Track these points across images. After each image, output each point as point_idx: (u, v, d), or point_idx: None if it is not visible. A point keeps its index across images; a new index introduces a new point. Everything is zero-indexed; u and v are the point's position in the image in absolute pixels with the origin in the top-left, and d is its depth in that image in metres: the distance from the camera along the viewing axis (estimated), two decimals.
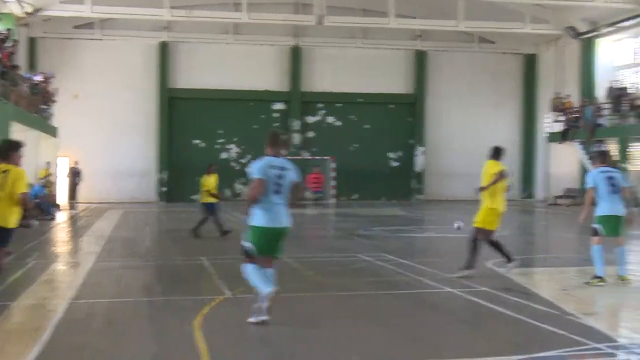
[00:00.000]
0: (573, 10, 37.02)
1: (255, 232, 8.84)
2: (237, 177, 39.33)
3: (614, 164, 12.19)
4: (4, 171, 9.37)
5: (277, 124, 41.43)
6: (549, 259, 16.28)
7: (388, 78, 42.60)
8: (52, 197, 29.81)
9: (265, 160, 8.97)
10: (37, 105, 30.26)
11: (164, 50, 40.28)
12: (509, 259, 12.72)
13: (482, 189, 12.56)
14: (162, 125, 40.19)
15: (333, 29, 38.97)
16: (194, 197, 33.04)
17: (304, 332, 8.62)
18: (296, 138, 41.50)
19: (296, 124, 41.59)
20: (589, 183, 11.87)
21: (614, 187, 11.64)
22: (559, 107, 38.91)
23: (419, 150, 42.88)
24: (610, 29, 36.94)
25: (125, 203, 36.40)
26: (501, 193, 12.55)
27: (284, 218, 8.94)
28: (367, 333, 8.60)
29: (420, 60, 43.12)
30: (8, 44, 28.05)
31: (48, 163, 31.32)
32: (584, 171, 36.25)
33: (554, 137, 39.05)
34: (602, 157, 12.39)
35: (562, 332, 8.29)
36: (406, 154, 43.05)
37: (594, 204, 11.86)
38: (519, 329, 8.79)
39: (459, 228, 13.93)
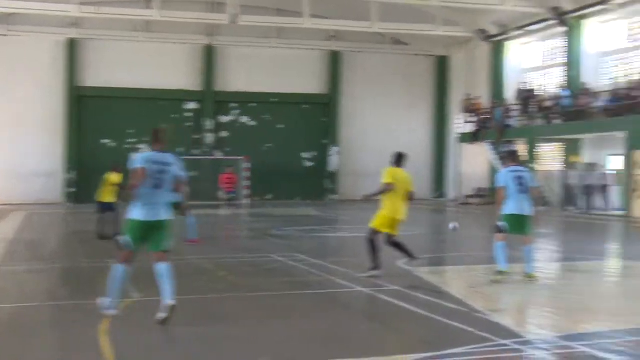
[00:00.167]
0: (483, 14, 37.71)
1: (131, 226, 8.83)
2: None
3: (522, 164, 12.35)
4: None
5: (189, 124, 41.06)
6: (459, 257, 16.45)
7: (302, 78, 42.63)
8: None
9: (147, 155, 9.00)
10: None
11: (73, 47, 39.37)
12: (411, 257, 12.69)
13: (367, 196, 12.76)
14: (70, 125, 39.28)
15: (247, 28, 38.73)
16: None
17: (215, 334, 8.47)
18: (209, 138, 41.16)
19: (209, 124, 41.24)
20: (500, 182, 11.99)
21: (522, 187, 11.81)
22: (470, 108, 39.56)
23: (333, 150, 43.05)
24: (519, 32, 37.80)
25: (30, 205, 35.30)
26: (400, 201, 12.43)
27: (162, 212, 8.87)
28: (278, 333, 8.50)
29: (335, 60, 43.29)
30: None
31: None
32: (493, 171, 36.94)
33: (465, 138, 39.68)
34: (512, 157, 12.55)
35: (470, 329, 8.35)
36: (320, 154, 43.16)
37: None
38: (428, 326, 8.83)
39: (454, 229, 13.91)
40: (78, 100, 39.36)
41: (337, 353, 7.73)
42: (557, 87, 35.05)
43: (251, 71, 41.64)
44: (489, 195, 37.42)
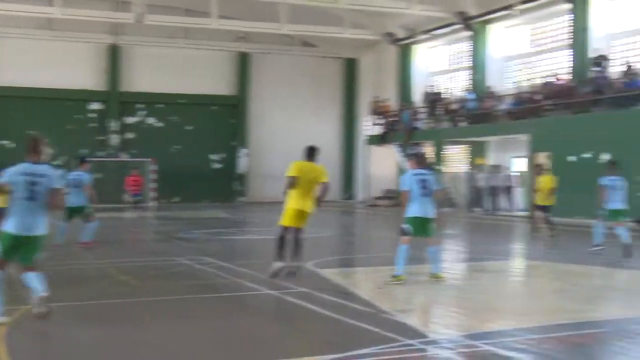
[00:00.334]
0: (391, 17, 38.08)
1: (3, 237, 8.63)
2: None
3: (429, 166, 12.44)
4: None
5: (94, 125, 40.21)
6: (367, 258, 16.51)
7: (211, 79, 42.26)
8: None
9: (19, 167, 8.77)
10: None
11: None
12: (280, 260, 12.43)
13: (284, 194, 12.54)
14: None
15: (154, 27, 38.10)
16: None
17: (116, 339, 8.22)
18: (114, 139, 40.38)
19: (114, 125, 40.44)
20: (404, 186, 12.04)
21: (426, 190, 11.87)
22: (378, 110, 39.92)
23: (242, 152, 42.80)
24: (426, 36, 38.32)
25: None
26: (307, 194, 12.32)
27: (35, 226, 8.64)
28: (184, 338, 8.29)
29: (243, 62, 43.07)
30: None
31: None
32: (401, 173, 37.33)
33: (374, 140, 40.01)
34: (417, 160, 12.63)
35: (377, 329, 8.33)
36: (229, 156, 42.87)
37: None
38: (335, 328, 8.78)
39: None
40: None
41: (245, 356, 7.63)
42: (462, 90, 35.68)
43: (158, 71, 41.00)
44: (397, 197, 37.83)
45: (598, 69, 27.62)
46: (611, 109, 26.51)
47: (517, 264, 16.11)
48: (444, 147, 35.18)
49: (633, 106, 25.78)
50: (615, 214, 16.20)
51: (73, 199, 16.14)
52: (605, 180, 16.39)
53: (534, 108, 30.11)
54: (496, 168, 32.70)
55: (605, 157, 25.48)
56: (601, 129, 25.98)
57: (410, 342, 7.81)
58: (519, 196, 31.55)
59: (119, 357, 7.59)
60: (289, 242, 12.48)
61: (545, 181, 20.18)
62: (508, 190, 32.08)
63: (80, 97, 39.96)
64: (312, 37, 42.26)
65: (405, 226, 11.88)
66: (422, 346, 7.68)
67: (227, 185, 42.37)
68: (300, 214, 12.37)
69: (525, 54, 34.16)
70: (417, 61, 40.25)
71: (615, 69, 27.95)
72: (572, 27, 29.66)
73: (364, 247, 20.25)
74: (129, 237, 22.07)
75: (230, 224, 26.79)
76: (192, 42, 41.48)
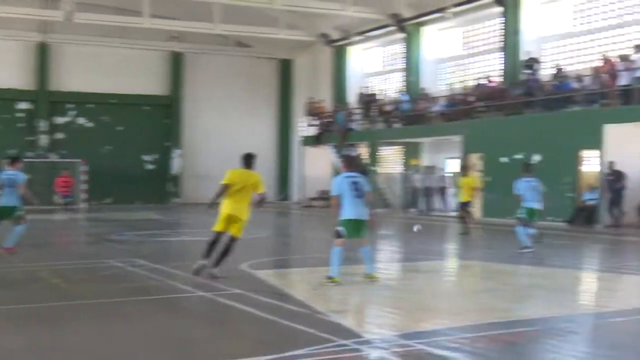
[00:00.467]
0: (325, 18, 38.16)
1: None
2: None
3: (362, 169, 12.54)
4: None
5: (22, 125, 39.44)
6: (302, 259, 16.50)
7: (143, 79, 41.78)
8: None
9: None
10: None
11: None
12: (206, 259, 12.44)
13: (210, 202, 12.69)
14: None
15: (85, 26, 37.40)
16: None
17: (47, 344, 8.03)
18: (43, 140, 39.64)
19: (43, 125, 39.71)
20: (334, 190, 12.10)
21: (358, 192, 11.93)
22: (313, 111, 39.97)
23: (176, 152, 42.42)
24: (360, 37, 38.50)
25: None
26: (239, 200, 12.37)
27: None
28: (117, 341, 8.15)
29: (177, 61, 42.69)
30: None
31: None
32: (336, 174, 37.44)
33: (309, 141, 40.05)
34: (349, 163, 12.83)
35: (312, 330, 8.31)
36: (162, 157, 42.45)
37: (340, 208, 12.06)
38: (270, 329, 8.72)
39: (418, 230, 13.68)
40: None
41: (177, 359, 7.53)
42: (397, 92, 35.94)
43: (89, 71, 40.36)
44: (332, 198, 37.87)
45: (529, 71, 28.12)
46: (542, 111, 27.01)
47: (450, 263, 16.28)
48: (379, 148, 35.39)
49: (563, 108, 26.30)
50: (531, 213, 16.99)
51: (6, 199, 15.58)
52: (521, 182, 17.11)
53: (466, 110, 30.52)
54: (430, 169, 33.03)
55: (536, 158, 25.99)
56: (532, 131, 26.45)
57: (345, 342, 7.80)
58: (453, 197, 31.90)
59: None
60: (221, 246, 12.44)
61: (468, 181, 21.28)
62: (442, 191, 32.44)
63: (8, 97, 39.17)
64: (246, 37, 42.11)
65: (340, 229, 11.90)
66: (356, 346, 7.68)
67: (160, 187, 41.93)
68: (231, 219, 12.39)
69: (458, 56, 34.61)
70: (351, 62, 40.43)
71: (546, 72, 28.50)
72: (503, 30, 30.14)
73: (299, 248, 20.23)
74: (59, 240, 21.67)
75: (163, 226, 26.51)
76: (124, 42, 40.90)
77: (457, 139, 30.12)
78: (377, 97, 37.20)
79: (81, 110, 40.93)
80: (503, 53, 30.17)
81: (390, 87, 38.31)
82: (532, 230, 17.05)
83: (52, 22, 37.71)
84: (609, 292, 11.89)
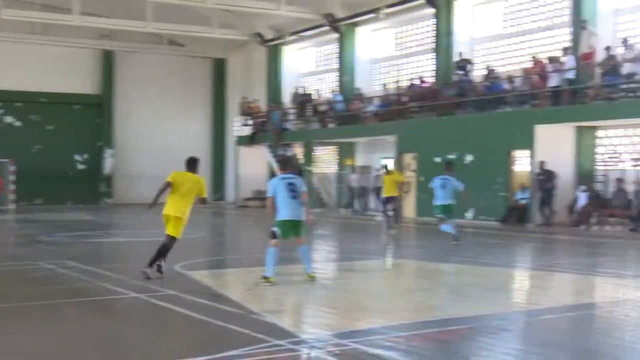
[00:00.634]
0: (259, 18, 38.05)
1: None
2: None
3: (297, 169, 12.59)
4: None
5: None
6: (237, 259, 16.41)
7: (74, 77, 41.10)
8: None
9: None
10: None
11: None
12: (151, 265, 12.40)
13: (151, 202, 12.45)
14: None
15: (12, 22, 36.50)
16: None
17: None
18: None
19: None
20: (269, 192, 12.13)
21: (294, 193, 11.96)
22: (247, 111, 39.82)
23: (108, 152, 41.83)
24: (294, 37, 38.47)
25: None
26: (178, 200, 12.29)
27: None
28: (48, 345, 7.98)
29: (108, 60, 42.10)
30: None
31: None
32: (272, 174, 37.44)
33: (243, 140, 39.89)
34: (284, 165, 12.96)
35: (246, 331, 8.26)
36: (94, 156, 41.81)
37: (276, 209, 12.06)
38: (204, 330, 8.64)
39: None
40: None
41: None
42: (331, 92, 36.02)
43: (17, 68, 39.49)
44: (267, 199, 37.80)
45: (461, 72, 28.45)
46: (474, 112, 27.36)
47: (385, 262, 16.36)
48: (314, 148, 35.43)
49: (495, 109, 26.69)
50: (442, 209, 18.22)
51: None
52: (437, 179, 18.29)
53: (400, 110, 30.74)
54: (365, 169, 33.18)
55: (469, 158, 26.34)
56: (465, 131, 26.78)
57: (280, 342, 7.77)
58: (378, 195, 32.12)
59: None
60: (159, 247, 12.40)
61: (391, 178, 21.54)
62: (377, 190, 32.55)
63: None
64: (179, 36, 41.77)
65: (275, 229, 11.92)
66: (291, 346, 7.66)
67: (92, 187, 41.30)
68: (167, 219, 12.34)
69: (391, 57, 34.86)
70: (286, 62, 40.40)
71: (478, 73, 28.89)
72: (435, 32, 30.44)
73: (234, 249, 20.13)
74: None
75: (95, 227, 26.09)
76: (54, 39, 40.17)
77: (391, 139, 30.33)
78: (312, 97, 37.23)
79: (9, 109, 40.07)
80: (435, 54, 30.48)
81: (324, 87, 38.38)
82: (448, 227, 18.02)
83: None
84: (541, 290, 12.09)
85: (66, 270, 13.63)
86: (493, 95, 26.75)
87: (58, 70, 40.44)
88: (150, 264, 12.28)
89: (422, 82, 30.67)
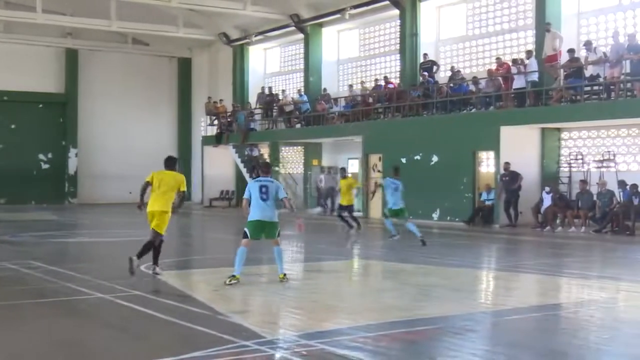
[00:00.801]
0: (225, 17, 37.94)
1: None
2: None
3: (267, 172, 12.73)
4: None
5: None
6: (204, 260, 16.35)
7: (37, 76, 40.73)
8: None
9: None
10: None
11: None
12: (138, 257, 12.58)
13: (139, 203, 12.88)
14: None
15: None
16: None
17: None
18: None
19: None
20: (245, 193, 12.36)
21: (266, 195, 12.09)
22: (213, 111, 39.68)
23: (72, 152, 41.45)
24: (260, 37, 38.40)
25: None
26: (159, 198, 12.59)
27: None
28: (10, 346, 7.87)
29: (72, 59, 41.76)
30: None
31: None
32: (238, 173, 37.39)
33: (209, 140, 39.73)
34: (261, 169, 13.18)
35: (212, 332, 8.23)
36: (58, 156, 41.43)
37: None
38: (170, 331, 8.59)
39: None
40: None
41: None
42: (297, 92, 36.01)
43: None
44: (234, 198, 37.85)
45: (427, 73, 28.57)
46: (440, 113, 27.49)
47: (352, 263, 16.39)
48: (280, 148, 35.39)
49: (460, 110, 26.84)
50: (396, 213, 19.19)
51: None
52: (390, 182, 19.32)
53: (366, 111, 30.80)
54: (333, 169, 33.17)
55: (435, 158, 26.47)
56: (431, 132, 26.90)
57: (246, 343, 7.75)
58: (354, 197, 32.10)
59: None
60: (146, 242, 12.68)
61: (346, 183, 22.35)
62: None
63: None
64: (144, 35, 41.54)
65: (246, 229, 12.05)
66: (257, 347, 7.63)
67: (56, 186, 40.94)
68: (152, 215, 12.63)
69: (357, 58, 34.94)
70: (252, 62, 40.34)
71: (443, 74, 29.04)
72: (400, 33, 30.55)
73: (201, 249, 20.05)
74: None
75: (59, 227, 25.84)
76: (17, 37, 39.78)
77: (357, 139, 30.39)
78: (278, 97, 37.19)
79: None
80: (401, 55, 30.59)
81: (290, 87, 38.37)
82: (410, 225, 18.91)
83: None
84: (506, 291, 12.18)
85: (30, 271, 13.50)
86: (458, 96, 26.89)
87: (21, 68, 40.02)
88: (139, 256, 12.43)
89: (388, 83, 30.75)
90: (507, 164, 24.24)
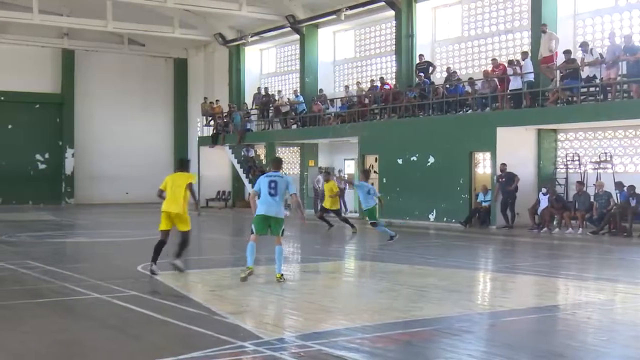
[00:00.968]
0: (221, 18, 37.96)
1: None
2: None
3: (260, 169, 12.88)
4: None
5: None
6: (200, 260, 16.33)
7: (34, 76, 40.74)
8: None
9: None
10: None
11: None
12: (153, 261, 12.96)
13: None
14: None
15: None
16: None
17: None
18: None
19: None
20: (255, 186, 12.52)
21: (273, 190, 12.16)
22: (209, 111, 39.67)
23: (69, 152, 41.42)
24: (256, 38, 38.42)
25: None
26: (173, 198, 12.98)
27: None
28: (7, 347, 7.86)
29: (68, 59, 41.76)
30: None
31: None
32: (235, 174, 37.39)
33: (205, 141, 39.72)
34: (273, 164, 13.15)
35: (210, 332, 8.23)
36: (55, 156, 41.42)
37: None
38: (166, 331, 8.59)
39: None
40: None
41: None
42: (293, 93, 36.02)
43: None
44: (230, 199, 37.83)
45: (423, 74, 28.58)
46: (436, 114, 27.50)
47: (348, 264, 16.40)
48: (276, 148, 35.40)
49: (456, 111, 26.85)
50: (370, 212, 20.07)
51: None
52: (362, 185, 20.35)
53: (362, 111, 30.80)
54: (330, 170, 33.15)
55: (431, 160, 26.47)
56: (427, 133, 26.90)
57: (243, 344, 7.76)
58: (351, 198, 32.14)
59: None
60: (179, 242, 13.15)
61: (328, 186, 23.20)
62: (341, 192, 32.57)
63: None
64: (140, 35, 41.53)
65: (252, 225, 12.25)
66: (254, 348, 7.64)
67: (53, 187, 40.93)
68: (168, 216, 13.06)
69: (353, 59, 34.96)
70: (248, 63, 40.36)
71: (439, 75, 29.05)
72: (396, 34, 30.58)
73: (197, 250, 19.99)
74: None
75: (57, 227, 25.87)
76: (13, 38, 39.83)
77: (353, 140, 30.39)
78: (274, 98, 37.19)
79: None
80: (397, 56, 30.61)
81: (286, 88, 38.39)
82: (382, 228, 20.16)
83: None
84: (503, 292, 12.18)
85: (27, 271, 13.52)
86: (454, 97, 26.89)
87: (18, 69, 40.03)
88: (178, 255, 13.09)
89: (384, 83, 30.76)
90: (503, 165, 24.26)
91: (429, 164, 26.65)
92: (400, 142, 27.82)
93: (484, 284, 13.68)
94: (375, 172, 29.07)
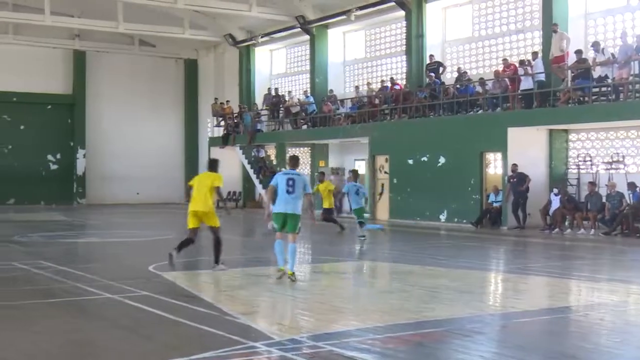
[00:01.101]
0: (231, 19, 38.00)
1: None
2: None
3: (295, 165, 12.97)
4: None
5: None
6: (210, 261, 16.29)
7: (45, 77, 40.87)
8: None
9: None
10: None
11: None
12: (178, 250, 13.63)
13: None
14: None
15: None
16: None
17: None
18: None
19: None
20: (272, 181, 12.68)
21: (291, 188, 12.28)
22: (219, 112, 39.71)
23: (80, 152, 41.55)
24: (266, 38, 38.45)
25: None
26: (199, 197, 13.47)
27: None
28: (20, 346, 7.87)
29: (80, 60, 41.87)
30: None
31: None
32: (245, 174, 37.41)
33: (215, 141, 39.76)
34: (290, 162, 13.12)
35: (221, 332, 8.24)
36: (67, 157, 41.56)
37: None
38: (178, 331, 8.59)
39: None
40: None
41: None
42: (303, 94, 36.02)
43: None
44: (241, 199, 37.85)
45: (433, 74, 28.54)
46: (446, 114, 27.45)
47: (358, 264, 16.37)
48: (287, 149, 35.41)
49: (467, 111, 26.80)
50: (358, 212, 20.52)
51: None
52: (351, 187, 20.90)
53: (373, 112, 30.78)
54: (341, 171, 33.18)
55: (442, 160, 26.42)
56: (438, 133, 26.86)
57: (254, 344, 7.75)
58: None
59: None
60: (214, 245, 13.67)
61: (323, 187, 23.31)
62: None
63: None
64: (150, 36, 41.64)
65: (273, 223, 12.55)
66: (266, 348, 7.63)
67: (65, 187, 41.06)
68: (195, 214, 13.58)
69: (363, 59, 34.94)
70: (258, 63, 40.38)
71: (449, 76, 28.99)
72: (406, 34, 30.53)
73: (207, 250, 19.99)
74: None
75: (68, 227, 25.95)
76: (25, 39, 40.00)
77: (363, 140, 30.36)
78: (284, 98, 37.22)
79: None
80: (407, 56, 30.58)
81: (296, 88, 38.39)
82: (374, 226, 21.66)
83: None
84: (515, 293, 12.14)
85: (40, 271, 13.56)
86: (465, 97, 26.83)
87: (30, 70, 40.18)
88: (216, 260, 13.62)
89: (394, 84, 30.73)
90: (514, 165, 24.19)
91: (439, 164, 26.61)
92: (410, 142, 27.79)
93: (496, 285, 13.64)
94: (385, 172, 29.05)
